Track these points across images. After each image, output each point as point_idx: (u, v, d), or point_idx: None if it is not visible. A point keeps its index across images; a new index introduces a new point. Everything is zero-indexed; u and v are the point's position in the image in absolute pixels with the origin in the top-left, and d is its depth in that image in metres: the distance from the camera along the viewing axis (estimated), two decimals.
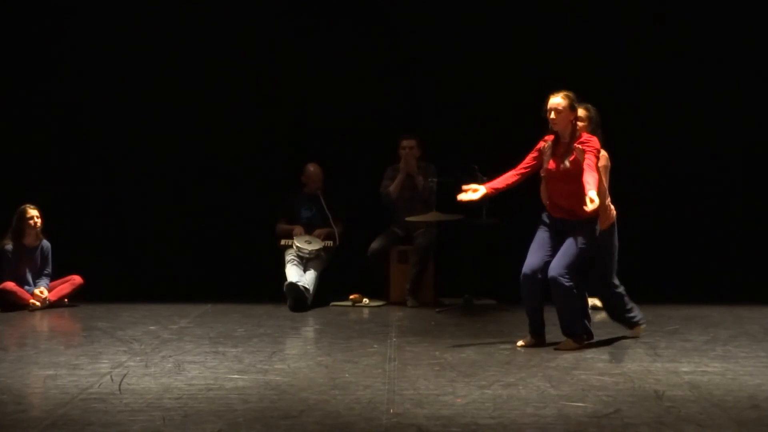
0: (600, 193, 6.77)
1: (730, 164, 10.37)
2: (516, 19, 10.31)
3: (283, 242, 9.75)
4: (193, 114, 10.45)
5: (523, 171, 7.16)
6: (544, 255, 7.03)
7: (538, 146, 7.14)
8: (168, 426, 5.07)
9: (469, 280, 9.25)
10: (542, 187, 7.22)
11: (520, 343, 7.23)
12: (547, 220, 7.13)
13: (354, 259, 9.77)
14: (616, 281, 7.43)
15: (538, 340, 7.20)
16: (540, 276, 7.00)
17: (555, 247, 7.03)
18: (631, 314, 7.51)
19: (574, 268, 6.93)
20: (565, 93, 6.99)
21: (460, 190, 9.56)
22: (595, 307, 7.90)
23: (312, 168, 9.96)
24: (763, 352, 7.00)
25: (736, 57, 10.24)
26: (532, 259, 7.08)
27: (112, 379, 6.09)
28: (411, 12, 10.40)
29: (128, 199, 10.53)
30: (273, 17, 10.42)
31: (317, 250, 9.58)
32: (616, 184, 7.42)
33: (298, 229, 9.79)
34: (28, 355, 6.96)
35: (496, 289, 9.47)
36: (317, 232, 9.79)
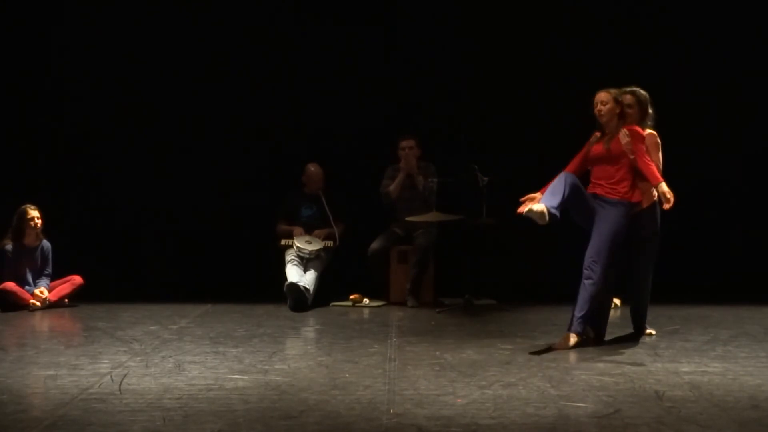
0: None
1: (729, 164, 10.37)
2: (516, 19, 10.31)
3: (283, 242, 9.75)
4: (193, 114, 10.45)
5: (572, 169, 7.29)
6: (584, 193, 7.13)
7: (588, 142, 7.37)
8: (168, 426, 5.07)
9: (469, 280, 9.25)
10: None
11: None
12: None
13: (354, 259, 9.77)
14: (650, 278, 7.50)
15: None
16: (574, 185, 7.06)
17: (589, 208, 7.12)
18: (645, 317, 7.59)
19: (606, 255, 7.01)
20: (610, 89, 7.32)
21: (461, 190, 9.60)
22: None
23: (312, 168, 9.96)
24: (764, 352, 7.00)
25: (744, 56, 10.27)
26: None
27: (112, 379, 6.09)
28: (411, 12, 10.41)
29: (128, 199, 10.53)
30: (274, 18, 10.43)
31: (317, 251, 9.59)
32: None
33: (298, 230, 9.79)
34: (28, 355, 6.95)
35: (496, 289, 9.47)
36: (317, 232, 9.79)
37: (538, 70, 10.25)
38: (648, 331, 7.61)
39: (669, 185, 7.10)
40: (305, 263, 9.55)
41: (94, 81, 10.45)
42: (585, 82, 9.89)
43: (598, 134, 7.35)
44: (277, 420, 5.18)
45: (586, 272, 7.02)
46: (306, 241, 9.63)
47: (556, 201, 6.87)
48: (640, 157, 7.13)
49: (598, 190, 7.22)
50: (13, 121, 10.47)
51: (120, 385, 5.93)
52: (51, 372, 6.32)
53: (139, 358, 6.76)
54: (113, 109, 10.47)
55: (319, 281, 9.46)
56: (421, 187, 9.69)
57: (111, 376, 6.16)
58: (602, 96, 7.29)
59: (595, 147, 7.30)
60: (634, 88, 7.43)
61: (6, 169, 10.35)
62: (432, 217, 9.53)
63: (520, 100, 10.23)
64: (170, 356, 6.83)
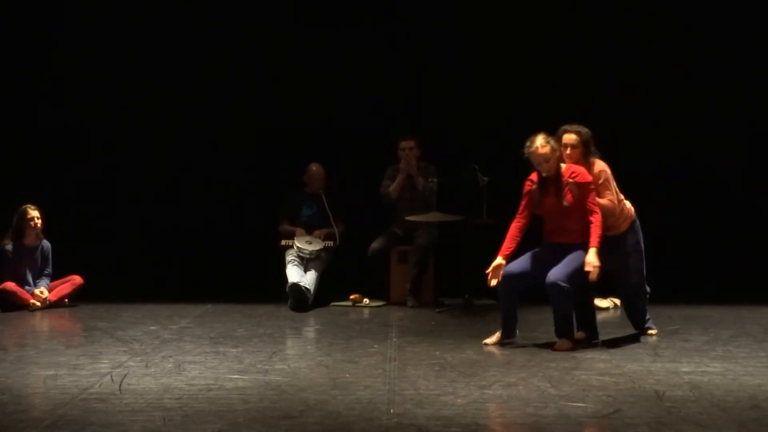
0: (608, 209, 7.14)
1: (729, 163, 10.36)
2: (516, 19, 10.30)
3: (283, 242, 9.74)
4: (194, 114, 10.44)
5: (523, 221, 7.24)
6: (527, 267, 7.15)
7: (526, 190, 7.23)
8: (168, 426, 5.07)
9: (469, 280, 9.24)
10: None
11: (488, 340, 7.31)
12: (547, 246, 7.21)
13: (354, 259, 9.77)
14: (646, 285, 7.51)
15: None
16: (512, 284, 7.19)
17: (546, 264, 7.07)
18: (647, 318, 7.59)
19: (573, 280, 6.98)
20: (544, 138, 7.11)
21: (461, 190, 9.60)
22: (599, 308, 7.92)
23: (314, 167, 9.95)
24: (764, 352, 7.00)
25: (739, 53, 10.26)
26: (512, 266, 7.18)
27: (112, 379, 6.09)
28: (411, 12, 10.40)
29: (128, 199, 10.53)
30: (274, 18, 10.42)
31: (318, 251, 9.58)
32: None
33: (300, 231, 9.78)
34: (28, 355, 6.96)
35: (496, 289, 9.44)
36: (317, 232, 9.78)
37: (538, 69, 10.24)
38: (650, 331, 7.61)
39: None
40: (305, 263, 9.55)
41: (94, 81, 10.44)
42: (585, 82, 9.95)
43: (534, 179, 7.18)
44: (277, 420, 5.18)
45: (551, 290, 6.96)
46: (306, 242, 9.62)
47: (512, 329, 7.26)
48: (589, 211, 7.00)
49: (560, 240, 7.13)
50: (13, 121, 10.47)
51: (120, 385, 5.94)
52: (51, 372, 6.33)
53: (139, 358, 6.76)
54: (113, 109, 10.46)
55: (320, 281, 9.46)
56: (421, 187, 9.69)
57: (111, 376, 6.16)
58: (544, 152, 7.04)
59: (548, 201, 7.12)
60: (578, 128, 7.24)
61: (6, 169, 10.34)
62: (432, 217, 9.53)
63: (520, 99, 10.22)
64: (170, 356, 6.83)
